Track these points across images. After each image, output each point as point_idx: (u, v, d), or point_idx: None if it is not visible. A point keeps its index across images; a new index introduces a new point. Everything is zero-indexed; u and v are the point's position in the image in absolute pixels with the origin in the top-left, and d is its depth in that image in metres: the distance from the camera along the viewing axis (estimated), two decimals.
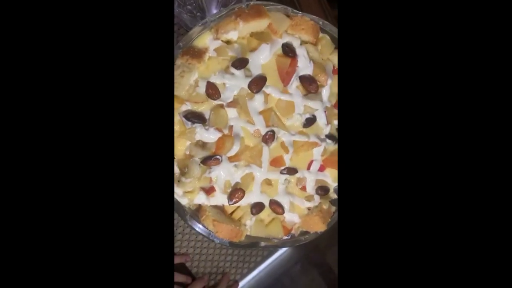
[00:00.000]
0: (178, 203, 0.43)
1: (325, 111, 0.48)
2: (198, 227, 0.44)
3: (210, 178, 0.43)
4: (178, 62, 0.40)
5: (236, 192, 0.44)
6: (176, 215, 0.44)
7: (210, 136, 0.42)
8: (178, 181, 0.42)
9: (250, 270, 0.73)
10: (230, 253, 0.71)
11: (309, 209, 0.50)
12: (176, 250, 0.66)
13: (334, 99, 0.49)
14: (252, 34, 0.44)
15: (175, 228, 0.65)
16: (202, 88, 0.41)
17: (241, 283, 0.72)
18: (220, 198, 0.44)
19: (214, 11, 0.55)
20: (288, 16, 0.45)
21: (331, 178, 0.50)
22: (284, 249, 0.74)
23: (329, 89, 0.48)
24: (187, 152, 0.42)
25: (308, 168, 0.49)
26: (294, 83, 0.46)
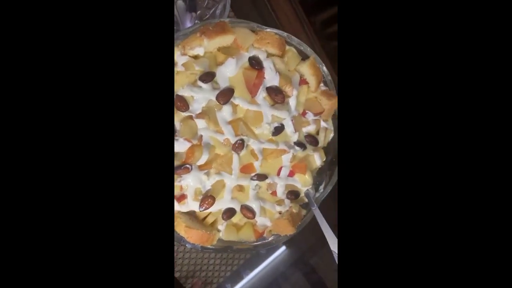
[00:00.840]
0: None
1: (292, 120, 0.50)
2: None
3: (181, 186, 0.45)
4: None
5: (206, 199, 0.46)
6: None
7: (179, 146, 0.44)
8: None
9: (234, 273, 0.75)
10: (213, 257, 0.73)
11: (280, 213, 0.52)
12: None
13: (301, 109, 0.51)
14: (220, 49, 0.46)
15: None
16: None
17: (238, 285, 0.74)
18: (191, 205, 0.46)
19: (188, 25, 0.58)
20: (253, 31, 0.47)
21: (300, 183, 0.53)
22: (277, 252, 0.76)
23: (295, 99, 0.50)
24: None
25: (278, 174, 0.51)
26: (262, 94, 0.48)
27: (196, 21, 0.60)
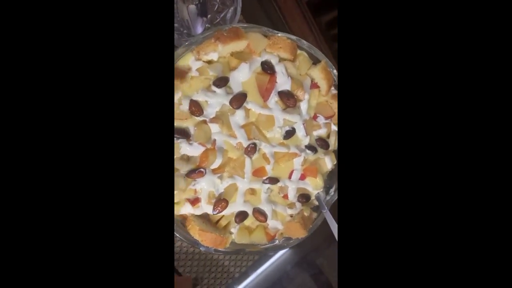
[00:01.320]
0: None
1: (303, 124, 0.50)
2: (184, 236, 0.47)
3: (195, 189, 0.46)
4: None
5: (219, 202, 0.47)
6: None
7: (194, 150, 0.45)
8: None
9: (243, 274, 0.75)
10: (222, 258, 0.73)
11: (291, 216, 0.53)
12: None
13: (313, 112, 0.52)
14: (233, 54, 0.47)
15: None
16: (185, 106, 0.44)
17: (240, 286, 0.74)
18: (205, 208, 0.47)
19: (200, 29, 0.58)
20: (266, 36, 0.48)
21: (311, 186, 0.53)
22: (280, 252, 0.77)
23: (307, 103, 0.50)
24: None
25: (290, 177, 0.52)
26: (274, 98, 0.49)
27: (207, 25, 0.60)
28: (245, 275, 0.75)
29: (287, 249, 0.76)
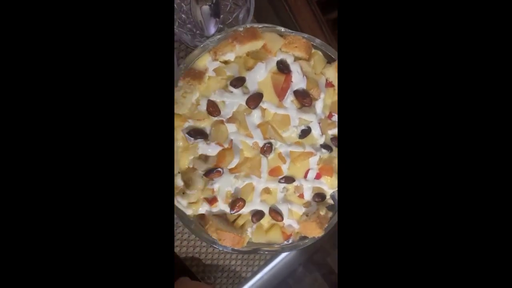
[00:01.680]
0: (183, 213, 0.46)
1: (319, 123, 0.50)
2: (203, 235, 0.47)
3: (213, 189, 0.46)
4: (180, 83, 0.43)
5: (237, 201, 0.47)
6: (181, 224, 0.46)
7: (211, 150, 0.45)
8: (183, 193, 0.45)
9: (254, 274, 0.75)
10: (234, 258, 0.73)
11: (307, 215, 0.53)
12: (182, 256, 0.69)
13: (328, 111, 0.52)
14: (248, 54, 0.47)
15: (180, 236, 0.68)
16: (203, 106, 0.44)
17: (247, 285, 0.74)
18: (222, 208, 0.47)
19: (213, 30, 0.58)
20: (281, 35, 0.48)
21: (327, 185, 0.53)
22: (287, 253, 0.77)
23: (322, 102, 0.50)
24: (191, 166, 0.45)
25: (305, 177, 0.52)
26: (289, 98, 0.49)
27: (219, 26, 0.60)
28: (254, 274, 0.76)
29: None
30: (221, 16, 0.62)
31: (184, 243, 0.69)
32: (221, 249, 0.47)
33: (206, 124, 0.45)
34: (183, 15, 0.59)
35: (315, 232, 0.51)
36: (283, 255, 0.76)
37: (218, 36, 0.45)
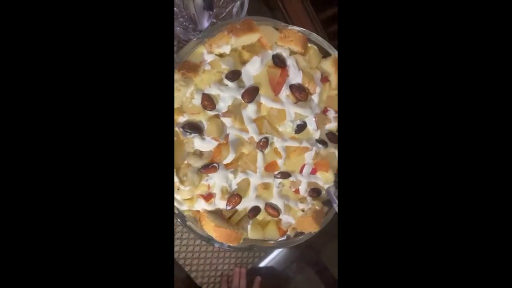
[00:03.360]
0: (178, 210, 0.45)
1: (314, 118, 0.50)
2: (199, 232, 0.46)
3: (208, 185, 0.45)
4: (175, 76, 0.42)
5: (233, 197, 0.46)
6: (176, 221, 0.45)
7: (207, 145, 0.44)
8: (178, 189, 0.44)
9: (248, 271, 0.75)
10: (228, 256, 0.73)
11: (303, 210, 0.52)
12: (175, 255, 0.68)
13: (323, 106, 0.52)
14: (244, 47, 0.46)
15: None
16: (197, 100, 0.43)
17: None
18: (218, 204, 0.46)
19: (206, 23, 0.57)
20: (277, 29, 0.47)
21: (322, 180, 0.53)
22: (280, 249, 0.77)
23: (318, 96, 0.50)
24: (185, 161, 0.44)
25: (301, 172, 0.52)
26: (285, 92, 0.48)
27: (212, 20, 0.59)
28: (252, 273, 0.75)
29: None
30: (215, 10, 0.61)
31: (177, 242, 0.68)
32: (217, 246, 0.46)
33: (201, 118, 0.44)
34: (176, 8, 0.57)
35: (312, 227, 0.50)
36: (276, 252, 0.76)
37: (212, 29, 0.44)
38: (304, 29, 0.49)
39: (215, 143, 0.44)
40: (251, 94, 0.45)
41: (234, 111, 0.45)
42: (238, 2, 0.61)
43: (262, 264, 0.75)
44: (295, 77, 0.48)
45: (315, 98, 0.50)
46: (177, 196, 0.44)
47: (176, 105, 0.43)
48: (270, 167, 0.49)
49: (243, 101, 0.45)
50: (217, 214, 0.47)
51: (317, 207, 0.52)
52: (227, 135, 0.45)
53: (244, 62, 0.46)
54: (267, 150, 0.48)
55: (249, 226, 0.49)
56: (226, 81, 0.44)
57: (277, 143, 0.49)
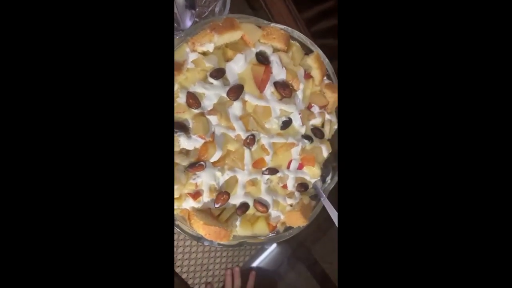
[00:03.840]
0: None
1: (299, 114, 0.51)
2: (188, 231, 0.46)
3: (196, 183, 0.45)
4: None
5: (221, 195, 0.46)
6: None
7: (193, 143, 0.44)
8: None
9: (241, 271, 0.75)
10: (219, 255, 0.72)
11: (291, 205, 0.53)
12: None
13: (307, 102, 0.52)
14: (227, 45, 0.46)
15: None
16: (182, 99, 0.43)
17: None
18: (206, 202, 0.46)
19: (188, 23, 0.57)
20: (259, 26, 0.48)
21: (309, 175, 0.54)
22: (272, 247, 0.77)
23: (302, 93, 0.51)
24: None
25: (288, 167, 0.52)
26: (270, 89, 0.49)
27: (195, 19, 0.59)
28: (243, 271, 0.75)
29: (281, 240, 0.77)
30: (197, 9, 0.61)
31: None
32: (207, 244, 0.46)
33: (186, 116, 0.44)
34: None
35: (300, 221, 0.51)
36: (268, 251, 0.76)
37: (195, 27, 0.44)
38: (286, 27, 0.50)
39: (201, 141, 0.44)
40: (236, 91, 0.46)
41: (220, 109, 0.45)
42: (220, 1, 0.61)
43: (254, 263, 0.75)
44: (279, 74, 0.49)
45: (299, 94, 0.51)
46: None
47: None
48: (257, 164, 0.50)
49: (228, 99, 0.46)
50: (205, 212, 0.47)
51: (304, 202, 0.53)
52: (213, 133, 0.45)
53: (228, 60, 0.46)
54: (254, 147, 0.49)
55: (238, 223, 0.49)
56: (210, 79, 0.45)
57: (264, 140, 0.49)
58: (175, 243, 0.68)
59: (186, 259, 0.70)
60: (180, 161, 0.44)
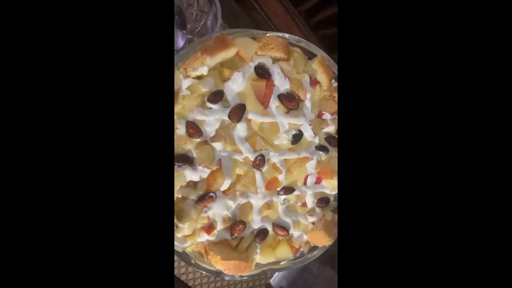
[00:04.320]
0: (180, 248, 0.42)
1: (310, 124, 0.47)
2: (207, 268, 0.43)
3: (208, 216, 0.42)
4: None
5: (236, 224, 0.43)
6: (180, 262, 0.43)
7: (199, 175, 0.41)
8: (176, 226, 0.41)
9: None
10: (239, 281, 0.70)
11: (313, 223, 0.49)
12: (183, 278, 0.65)
13: (317, 110, 0.48)
14: (223, 64, 0.43)
15: (184, 269, 0.63)
16: (182, 129, 0.40)
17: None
18: (222, 234, 0.43)
19: (181, 42, 0.54)
20: (254, 38, 0.44)
21: (329, 188, 0.50)
22: None
23: (309, 101, 0.47)
24: (179, 195, 0.41)
25: (305, 183, 0.48)
26: (274, 103, 0.45)
27: (188, 36, 0.56)
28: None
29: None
30: (188, 26, 0.58)
31: (190, 276, 0.65)
32: (228, 278, 0.44)
33: (189, 147, 0.41)
34: None
35: (324, 240, 0.47)
36: None
37: (186, 51, 0.41)
38: (283, 34, 0.45)
39: (208, 171, 0.41)
40: (238, 113, 0.42)
41: (223, 134, 0.42)
42: (211, 14, 0.58)
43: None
44: (282, 85, 0.45)
45: (307, 103, 0.47)
46: (177, 234, 0.41)
47: None
48: (271, 185, 0.46)
49: (231, 122, 0.42)
50: (222, 244, 0.44)
51: (327, 218, 0.49)
52: (220, 160, 0.42)
53: (225, 80, 0.43)
54: (265, 168, 0.45)
55: (258, 251, 0.46)
56: (209, 104, 0.41)
57: (274, 158, 0.46)
58: (192, 275, 0.65)
59: (212, 282, 0.68)
60: (188, 195, 0.41)
